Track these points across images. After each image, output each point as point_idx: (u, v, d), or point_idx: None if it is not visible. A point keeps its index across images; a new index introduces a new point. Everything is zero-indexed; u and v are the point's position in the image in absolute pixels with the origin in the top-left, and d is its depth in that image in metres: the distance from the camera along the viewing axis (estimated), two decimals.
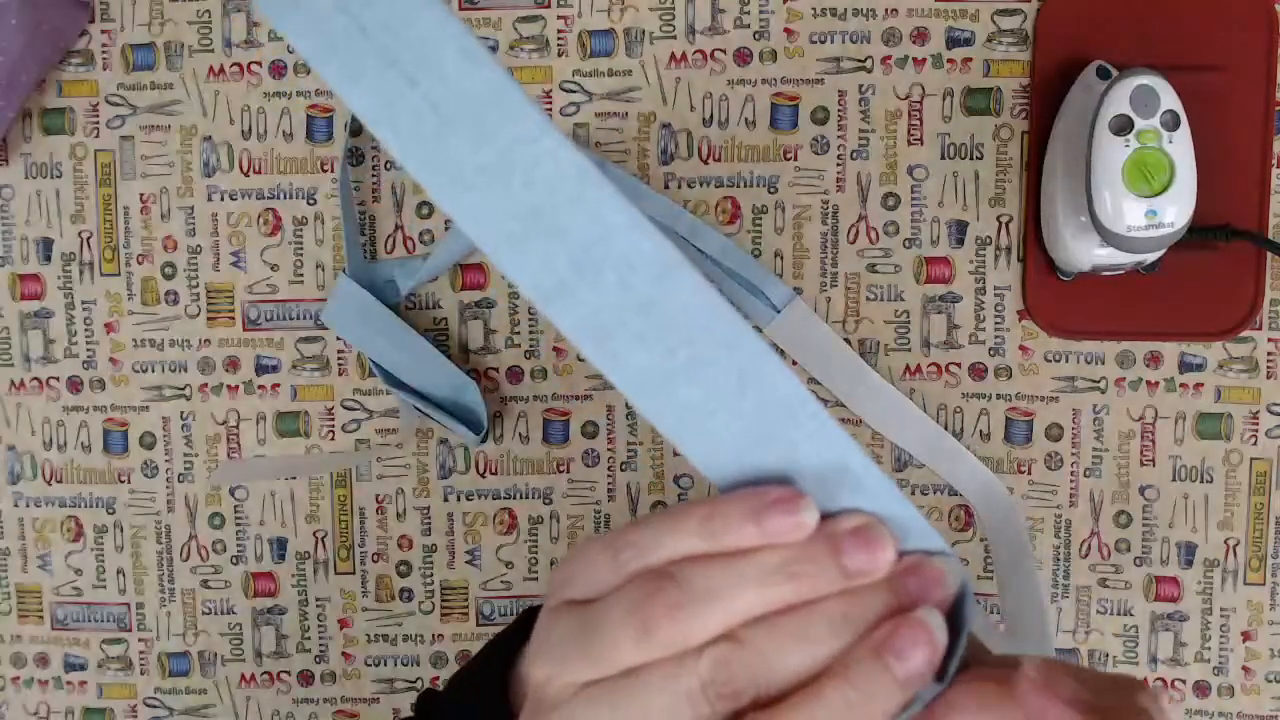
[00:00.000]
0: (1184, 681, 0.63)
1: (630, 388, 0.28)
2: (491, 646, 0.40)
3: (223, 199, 0.65)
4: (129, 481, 0.66)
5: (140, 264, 0.65)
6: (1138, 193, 0.53)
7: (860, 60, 0.62)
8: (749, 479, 0.29)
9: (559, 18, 0.63)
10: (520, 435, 0.65)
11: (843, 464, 0.28)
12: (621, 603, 0.28)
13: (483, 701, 0.38)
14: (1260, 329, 0.61)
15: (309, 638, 0.66)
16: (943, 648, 0.27)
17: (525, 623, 0.39)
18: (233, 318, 0.65)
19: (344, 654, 0.66)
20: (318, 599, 0.66)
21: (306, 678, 0.66)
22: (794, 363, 0.63)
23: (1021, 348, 0.63)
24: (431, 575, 0.65)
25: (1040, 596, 0.61)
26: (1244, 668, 0.63)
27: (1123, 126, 0.53)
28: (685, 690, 0.27)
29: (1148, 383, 0.62)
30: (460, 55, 0.27)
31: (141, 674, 0.67)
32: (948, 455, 0.62)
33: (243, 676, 0.67)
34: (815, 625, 0.27)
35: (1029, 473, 0.63)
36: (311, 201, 0.64)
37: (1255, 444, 0.62)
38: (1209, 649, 0.63)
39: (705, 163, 0.63)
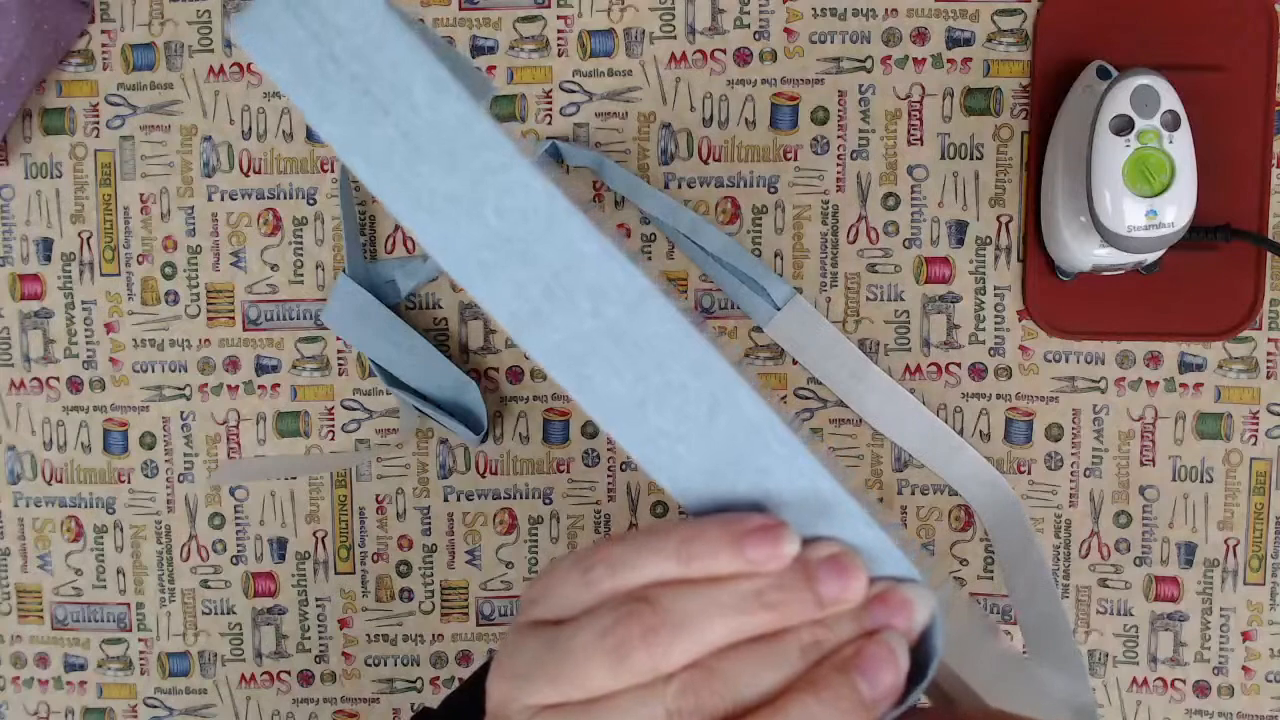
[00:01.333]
0: (1184, 681, 0.63)
1: (602, 414, 0.29)
2: (488, 667, 0.40)
3: (223, 199, 0.65)
4: (129, 481, 0.66)
5: (140, 264, 0.65)
6: (1138, 193, 0.53)
7: (860, 60, 0.62)
8: (721, 505, 0.29)
9: (559, 18, 0.63)
10: (520, 435, 0.65)
11: (814, 490, 0.29)
12: (594, 625, 0.27)
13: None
14: (1260, 329, 0.61)
15: (309, 638, 0.66)
16: (905, 673, 0.27)
17: None
18: (233, 318, 0.65)
19: (344, 654, 0.66)
20: (318, 599, 0.66)
21: (306, 678, 0.66)
22: (795, 361, 0.63)
23: (1021, 348, 0.63)
24: (431, 575, 0.65)
25: (1051, 584, 0.60)
26: (1244, 668, 0.63)
27: (1123, 126, 0.53)
28: (650, 717, 0.26)
29: (1148, 383, 0.62)
30: (430, 85, 0.27)
31: (141, 674, 0.67)
32: (949, 451, 0.62)
33: (243, 676, 0.67)
34: (787, 651, 0.27)
35: (1029, 473, 0.63)
36: (311, 201, 0.64)
37: (1255, 444, 0.62)
38: (1209, 649, 0.63)
39: (705, 163, 0.63)
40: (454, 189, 0.27)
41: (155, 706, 0.67)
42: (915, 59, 0.62)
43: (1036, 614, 0.60)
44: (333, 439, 0.65)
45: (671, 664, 0.27)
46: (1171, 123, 0.53)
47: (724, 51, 0.62)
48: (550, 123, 0.63)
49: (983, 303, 0.63)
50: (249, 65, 0.64)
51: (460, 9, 0.63)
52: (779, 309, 0.62)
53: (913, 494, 0.63)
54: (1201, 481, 0.62)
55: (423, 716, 0.45)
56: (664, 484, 0.29)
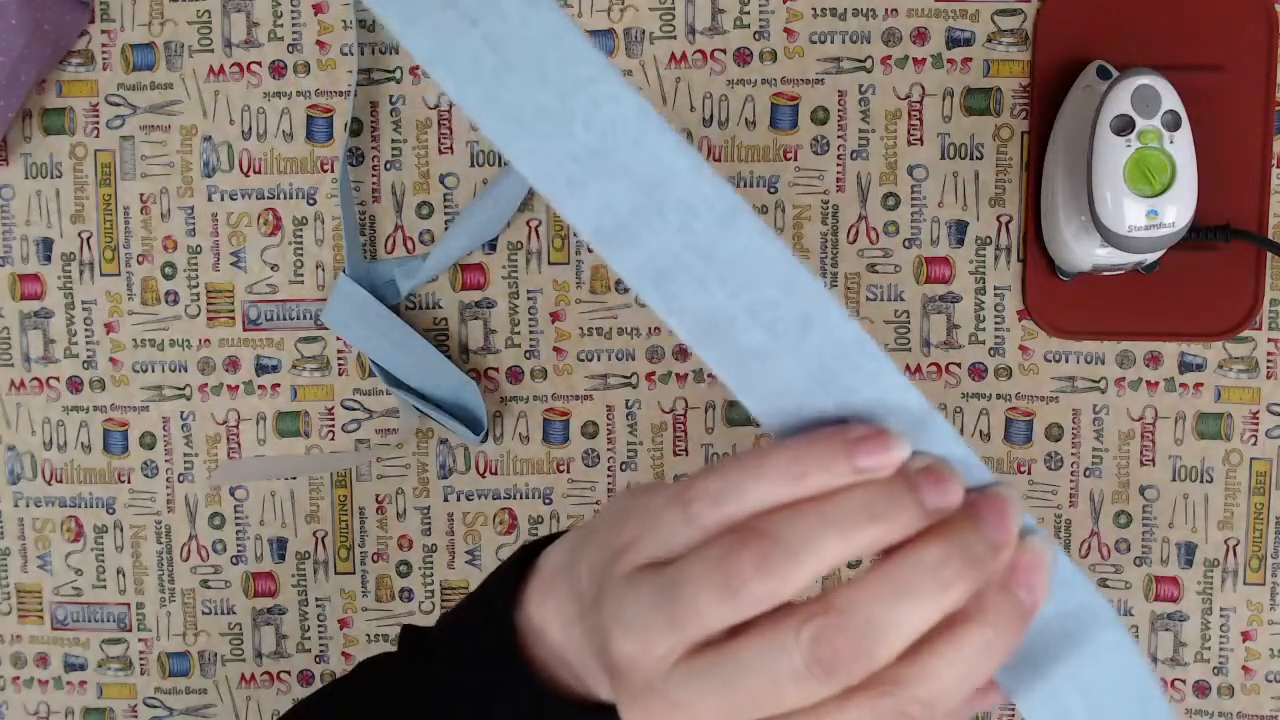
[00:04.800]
0: (1184, 681, 0.63)
1: (689, 332, 0.28)
2: (491, 587, 0.37)
3: (223, 199, 0.65)
4: (129, 481, 0.66)
5: (140, 264, 0.65)
6: (1139, 193, 0.53)
7: (860, 60, 0.62)
8: (807, 427, 0.28)
9: None
10: (520, 435, 0.65)
11: (903, 407, 0.28)
12: (703, 561, 0.26)
13: (493, 646, 0.35)
14: (1260, 329, 0.61)
15: (309, 638, 0.66)
16: (1052, 570, 0.28)
17: (523, 561, 0.36)
18: (233, 318, 0.65)
19: (344, 654, 0.66)
20: (318, 599, 0.66)
21: (306, 678, 0.66)
22: None
23: (1021, 348, 0.63)
24: (431, 575, 0.65)
25: None
26: (1244, 668, 0.63)
27: (1124, 126, 0.53)
28: (789, 669, 0.26)
29: (1148, 383, 0.62)
30: None
31: (141, 674, 0.67)
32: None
33: (243, 676, 0.67)
34: (907, 578, 0.26)
35: (1029, 473, 0.63)
36: (311, 201, 0.64)
37: (1255, 444, 0.62)
38: (1209, 649, 0.63)
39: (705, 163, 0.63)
40: (543, 102, 0.27)
41: (155, 706, 0.67)
42: (915, 59, 0.62)
43: None
44: (333, 439, 0.65)
45: (790, 591, 0.26)
46: (1172, 123, 0.53)
47: (724, 51, 0.62)
48: None
49: (983, 303, 0.63)
50: (249, 65, 0.64)
51: None
52: None
53: None
54: (1201, 481, 0.62)
55: (410, 634, 0.41)
56: (751, 406, 0.28)
